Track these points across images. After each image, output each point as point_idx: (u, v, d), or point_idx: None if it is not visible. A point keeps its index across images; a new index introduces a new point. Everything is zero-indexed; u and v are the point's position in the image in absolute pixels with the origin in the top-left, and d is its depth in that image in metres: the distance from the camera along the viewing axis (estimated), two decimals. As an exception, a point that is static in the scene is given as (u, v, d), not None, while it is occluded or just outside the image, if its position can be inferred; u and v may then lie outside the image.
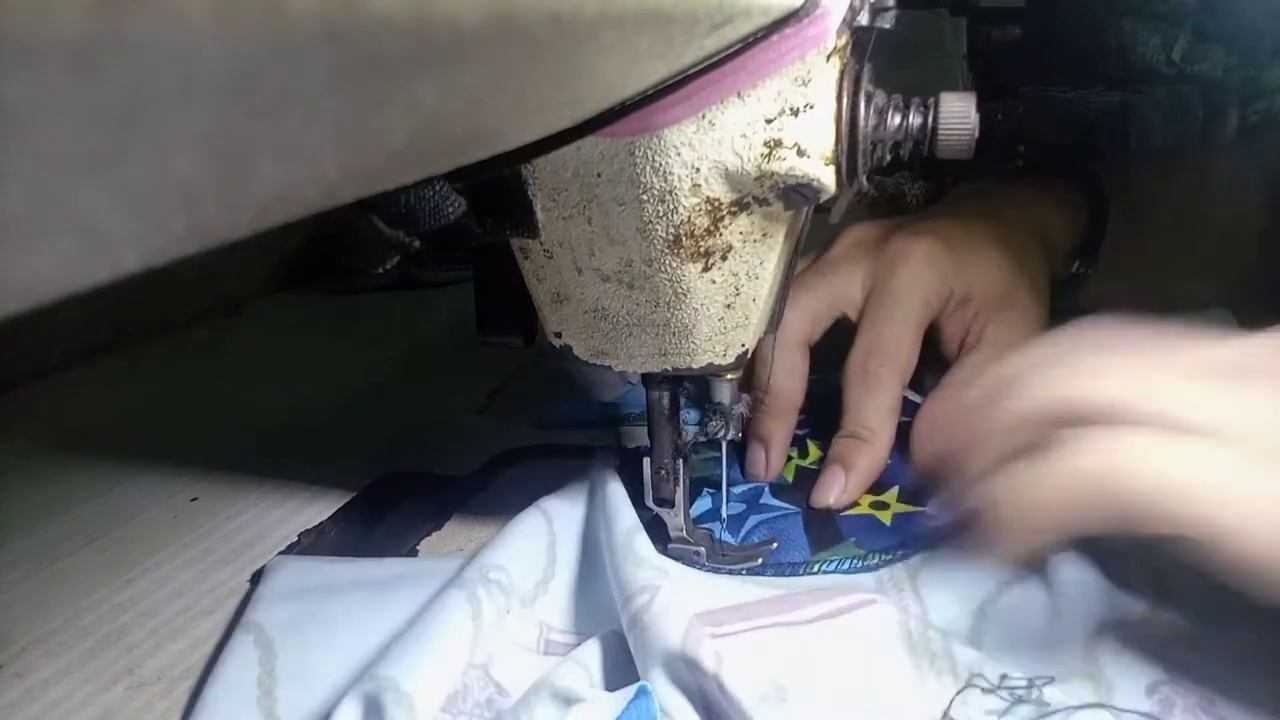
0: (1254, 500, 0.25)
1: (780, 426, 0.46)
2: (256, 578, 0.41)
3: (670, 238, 0.30)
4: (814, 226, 0.37)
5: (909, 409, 0.46)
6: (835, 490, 0.43)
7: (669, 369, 0.35)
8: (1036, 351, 0.30)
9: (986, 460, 0.30)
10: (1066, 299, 0.60)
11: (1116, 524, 0.27)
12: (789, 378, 0.46)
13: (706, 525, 0.42)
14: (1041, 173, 0.60)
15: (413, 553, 0.43)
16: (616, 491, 0.39)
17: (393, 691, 0.29)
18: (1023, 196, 0.55)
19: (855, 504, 0.43)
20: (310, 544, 0.44)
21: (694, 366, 0.35)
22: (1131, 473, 0.26)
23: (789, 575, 0.39)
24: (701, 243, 0.30)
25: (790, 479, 0.46)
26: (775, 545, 0.40)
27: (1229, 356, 0.29)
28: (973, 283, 0.48)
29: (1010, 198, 0.55)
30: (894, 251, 0.48)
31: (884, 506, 0.43)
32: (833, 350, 0.48)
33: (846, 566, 0.39)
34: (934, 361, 0.48)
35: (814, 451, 0.48)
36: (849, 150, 0.29)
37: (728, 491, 0.42)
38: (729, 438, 0.39)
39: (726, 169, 0.29)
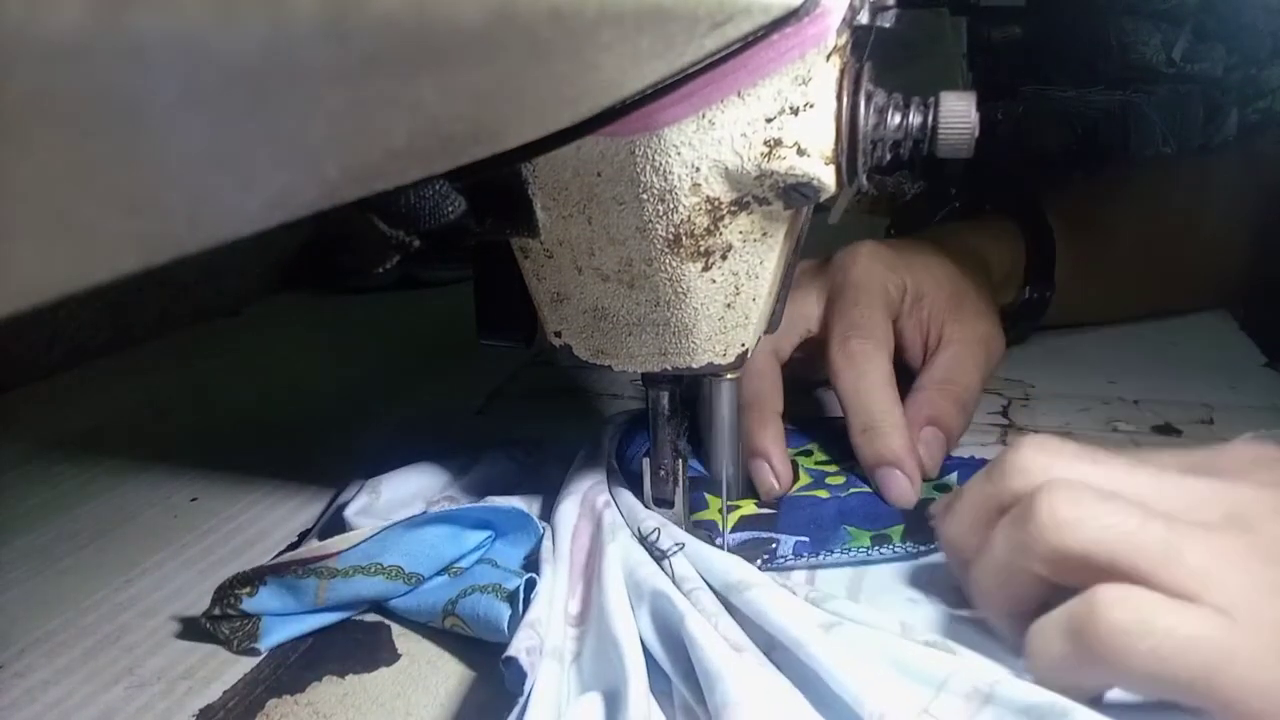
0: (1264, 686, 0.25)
1: (769, 432, 0.44)
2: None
3: (670, 237, 0.30)
4: (814, 226, 0.37)
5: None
6: (902, 490, 0.42)
7: (669, 368, 0.35)
8: (1056, 482, 0.29)
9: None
10: (1030, 322, 0.62)
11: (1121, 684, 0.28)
12: (761, 380, 0.46)
13: (706, 527, 0.42)
14: (979, 206, 0.63)
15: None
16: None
17: None
18: (957, 233, 0.57)
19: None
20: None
21: (694, 366, 0.35)
22: (1144, 637, 0.26)
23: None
24: (701, 242, 0.30)
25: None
26: (775, 545, 0.40)
27: (1241, 500, 0.29)
28: (922, 281, 0.49)
29: (946, 234, 0.57)
30: (841, 258, 0.49)
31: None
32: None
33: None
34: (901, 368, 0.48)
35: (818, 454, 0.48)
36: (849, 149, 0.29)
37: (726, 509, 0.42)
38: (726, 511, 0.40)
39: (726, 168, 0.29)
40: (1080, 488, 0.28)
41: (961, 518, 0.33)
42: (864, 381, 0.44)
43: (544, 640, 0.31)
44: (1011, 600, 0.31)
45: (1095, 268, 0.63)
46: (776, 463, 0.44)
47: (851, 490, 0.44)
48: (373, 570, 0.36)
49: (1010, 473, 0.31)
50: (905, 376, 0.47)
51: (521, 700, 0.29)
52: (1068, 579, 0.28)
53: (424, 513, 0.38)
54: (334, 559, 0.36)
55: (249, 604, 0.36)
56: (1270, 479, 0.29)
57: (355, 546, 0.36)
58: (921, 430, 0.44)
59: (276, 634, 0.36)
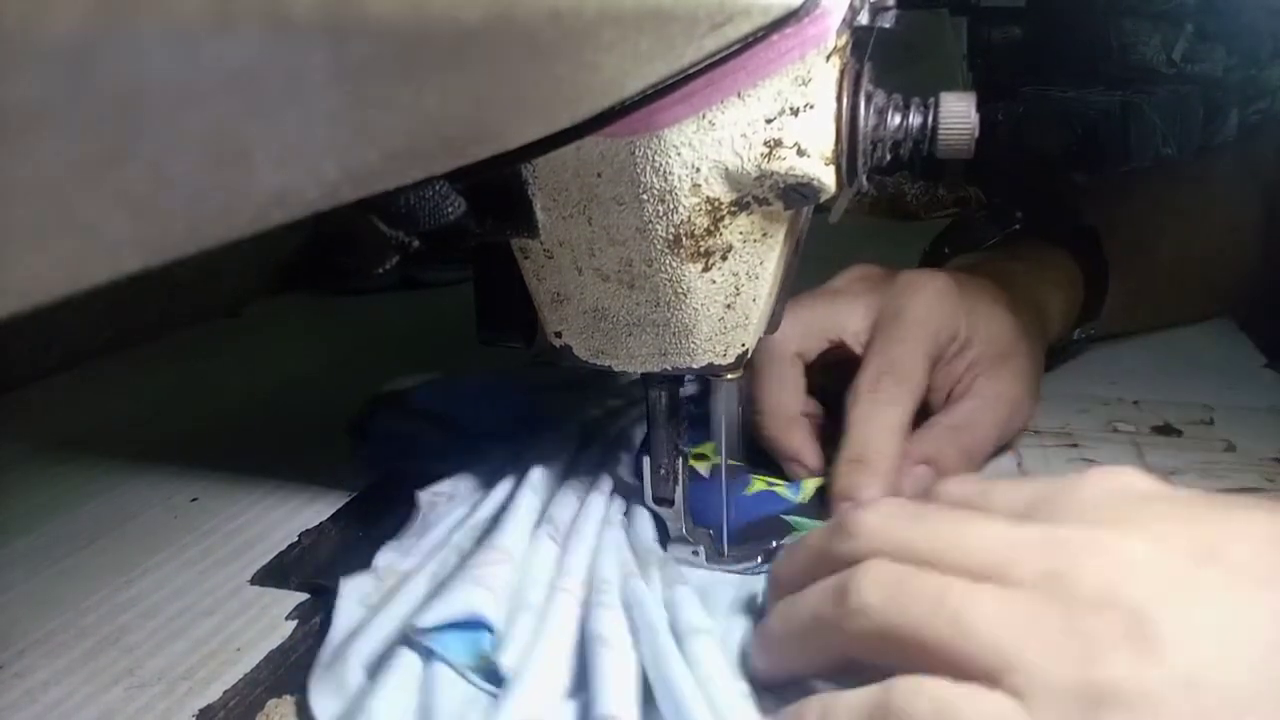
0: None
1: (795, 436, 0.44)
2: (258, 578, 0.41)
3: (670, 237, 0.30)
4: (814, 226, 0.37)
5: None
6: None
7: (669, 369, 0.35)
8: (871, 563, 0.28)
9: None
10: (1073, 356, 0.60)
11: None
12: (782, 389, 0.45)
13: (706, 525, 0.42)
14: (1039, 238, 0.59)
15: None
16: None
17: None
18: (1021, 274, 0.54)
19: None
20: (311, 544, 0.44)
21: (694, 366, 0.35)
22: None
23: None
24: (701, 242, 0.30)
25: (807, 499, 0.45)
26: (775, 545, 0.40)
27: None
28: (978, 329, 0.46)
29: (1010, 274, 0.54)
30: (906, 283, 0.46)
31: None
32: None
33: None
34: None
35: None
36: (849, 150, 0.29)
37: (728, 519, 0.41)
38: (729, 514, 0.40)
39: (726, 169, 0.29)
40: (895, 569, 0.27)
41: (794, 561, 0.33)
42: (877, 421, 0.42)
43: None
44: (804, 661, 0.31)
45: (1141, 294, 0.61)
46: (810, 461, 0.44)
47: None
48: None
49: (843, 535, 0.30)
50: (921, 416, 0.45)
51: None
52: (876, 658, 0.27)
53: None
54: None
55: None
56: (1108, 517, 0.27)
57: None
58: (914, 466, 0.43)
59: None
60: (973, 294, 0.47)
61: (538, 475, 0.42)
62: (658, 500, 0.39)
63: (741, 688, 0.32)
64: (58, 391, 0.69)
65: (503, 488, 0.42)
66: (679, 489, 0.39)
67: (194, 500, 0.49)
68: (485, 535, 0.38)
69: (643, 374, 0.36)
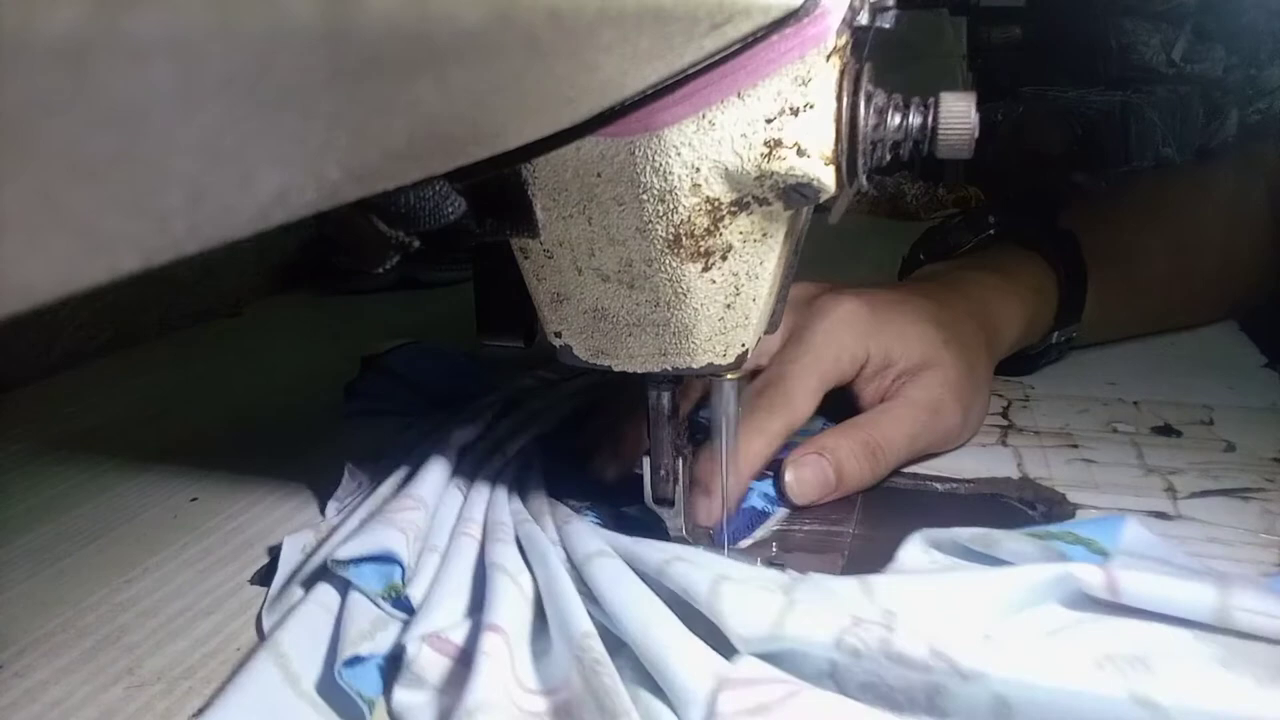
0: None
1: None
2: (258, 578, 0.41)
3: (670, 237, 0.30)
4: (813, 226, 0.37)
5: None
6: (703, 513, 0.41)
7: (669, 369, 0.35)
8: None
9: None
10: (1054, 360, 0.61)
11: None
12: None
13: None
14: (1015, 242, 0.59)
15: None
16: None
17: None
18: (974, 283, 0.55)
19: None
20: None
21: (694, 366, 0.35)
22: None
23: None
24: (701, 242, 0.30)
25: None
26: (775, 549, 0.40)
27: None
28: (892, 348, 0.47)
29: (963, 283, 0.54)
30: (817, 307, 0.48)
31: None
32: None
33: None
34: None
35: None
36: (849, 150, 0.29)
37: (725, 517, 0.41)
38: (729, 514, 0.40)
39: (726, 169, 0.29)
40: None
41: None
42: (750, 424, 0.43)
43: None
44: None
45: (1124, 299, 0.61)
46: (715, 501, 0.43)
47: None
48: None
49: None
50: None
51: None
52: None
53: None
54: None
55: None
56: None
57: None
58: (808, 454, 0.44)
59: None
60: (887, 313, 0.48)
61: (456, 436, 0.47)
62: (658, 500, 0.39)
63: (652, 596, 0.33)
64: (58, 391, 0.69)
65: (427, 447, 0.47)
66: (679, 489, 0.39)
67: (194, 500, 0.49)
68: (403, 486, 0.43)
69: (642, 374, 0.36)
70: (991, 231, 0.60)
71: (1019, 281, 0.56)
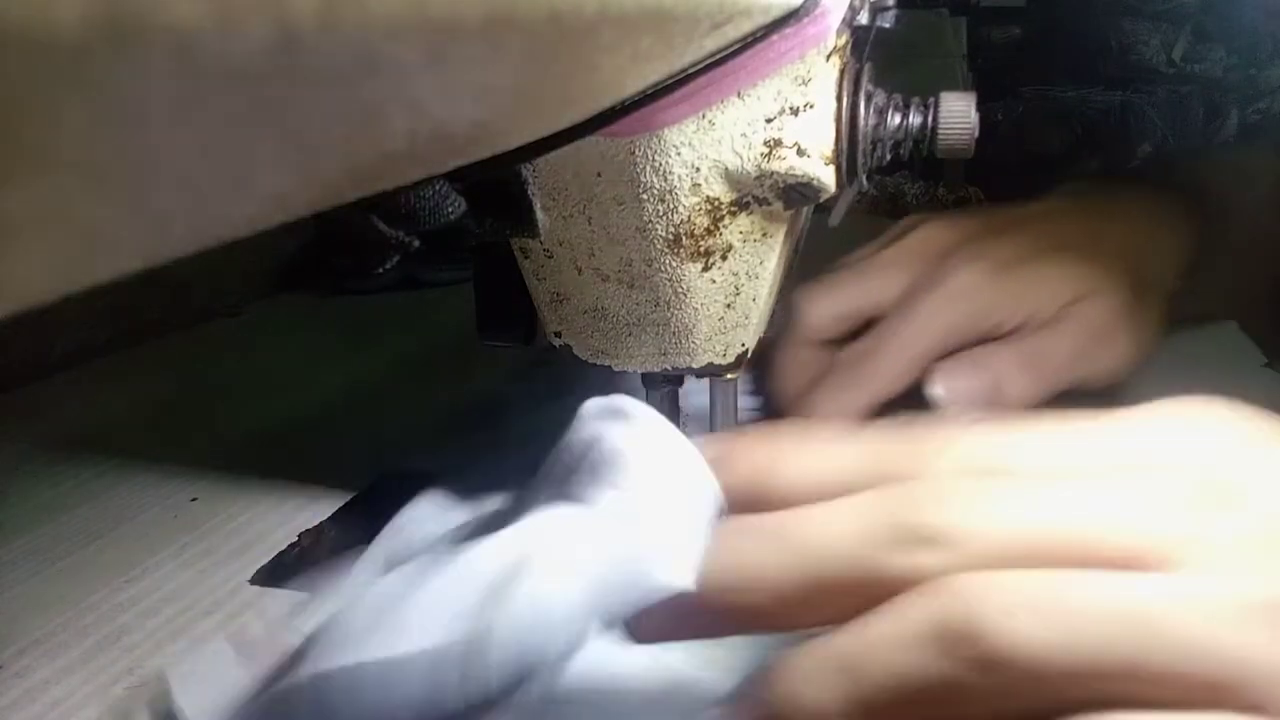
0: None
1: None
2: (258, 578, 0.41)
3: (670, 237, 0.30)
4: (813, 226, 0.37)
5: None
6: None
7: (669, 369, 0.35)
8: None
9: None
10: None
11: None
12: (797, 375, 0.43)
13: None
14: (1154, 178, 0.54)
15: (413, 553, 0.43)
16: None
17: None
18: (1133, 213, 0.50)
19: None
20: (310, 544, 0.44)
21: (694, 366, 0.35)
22: None
23: None
24: (701, 242, 0.30)
25: None
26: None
27: None
28: (1030, 303, 0.43)
29: (1113, 210, 0.49)
30: (944, 269, 0.43)
31: None
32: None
33: None
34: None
35: None
36: (849, 150, 0.29)
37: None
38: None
39: (726, 168, 0.29)
40: (1020, 578, 0.19)
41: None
42: (822, 405, 0.41)
43: None
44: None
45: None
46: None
47: None
48: None
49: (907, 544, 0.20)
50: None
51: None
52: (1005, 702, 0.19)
53: None
54: None
55: None
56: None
57: None
58: (957, 362, 0.40)
59: None
60: (1020, 270, 0.43)
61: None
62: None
63: None
64: (58, 391, 0.69)
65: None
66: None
67: (194, 500, 0.49)
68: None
69: (642, 374, 0.36)
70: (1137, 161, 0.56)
71: (1174, 219, 0.52)
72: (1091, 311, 0.44)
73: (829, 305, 0.44)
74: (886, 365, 0.41)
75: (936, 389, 0.40)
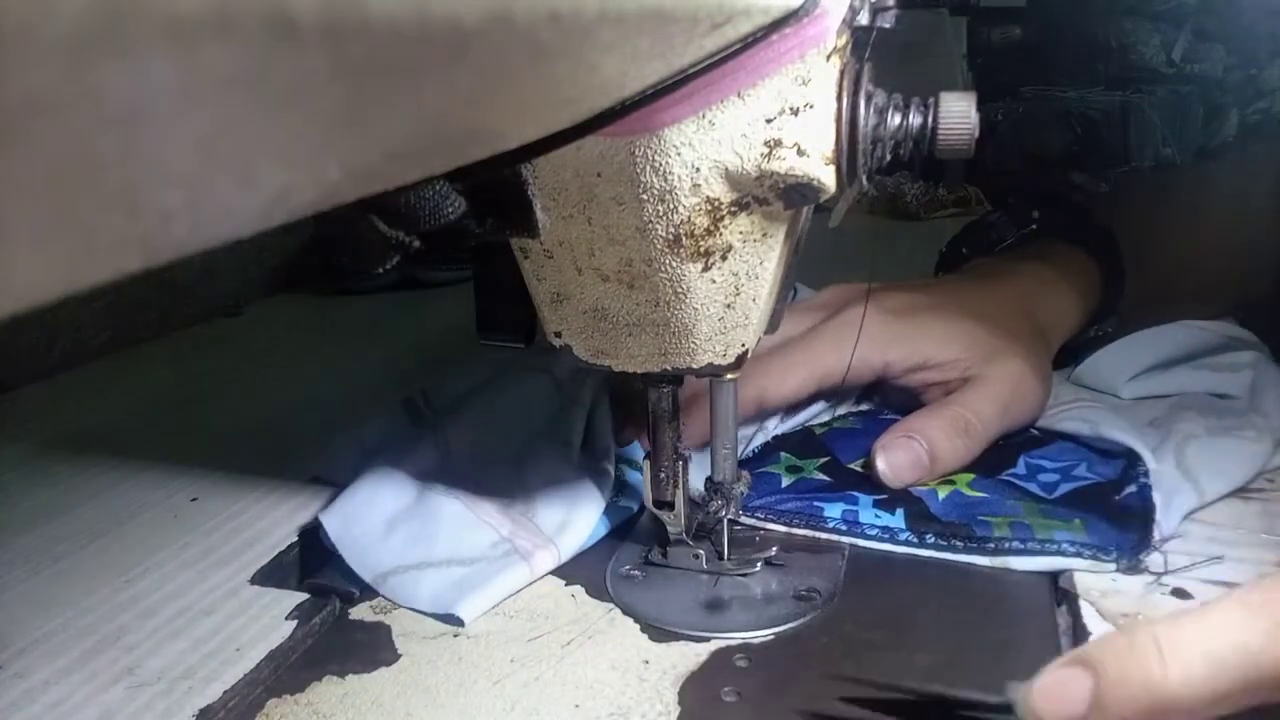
0: None
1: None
2: (258, 578, 0.41)
3: (670, 237, 0.30)
4: (814, 227, 0.37)
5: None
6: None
7: (669, 369, 0.35)
8: None
9: None
10: (1089, 352, 0.60)
11: None
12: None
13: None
14: (1056, 236, 0.59)
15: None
16: None
17: None
18: (1027, 277, 0.55)
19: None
20: (310, 544, 0.44)
21: (694, 366, 0.35)
22: None
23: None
24: (701, 242, 0.30)
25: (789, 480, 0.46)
26: (775, 550, 0.40)
27: None
28: (926, 350, 0.48)
29: (1010, 276, 0.55)
30: (840, 313, 0.49)
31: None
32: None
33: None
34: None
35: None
36: (849, 150, 0.29)
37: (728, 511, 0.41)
38: (729, 516, 0.40)
39: (726, 169, 0.29)
40: None
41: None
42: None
43: None
44: None
45: (1142, 293, 0.61)
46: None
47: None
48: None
49: None
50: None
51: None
52: None
53: None
54: None
55: None
56: None
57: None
58: (894, 437, 0.44)
59: None
60: (919, 315, 0.49)
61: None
62: (658, 504, 0.39)
63: None
64: (58, 391, 0.69)
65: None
66: (679, 493, 0.38)
67: (194, 500, 0.49)
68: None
69: (643, 375, 0.36)
70: (1034, 226, 0.61)
71: (1069, 274, 0.56)
72: (1008, 368, 0.47)
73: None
74: (783, 384, 0.47)
75: (879, 465, 0.44)
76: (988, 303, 0.51)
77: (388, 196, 0.25)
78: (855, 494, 0.43)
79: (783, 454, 0.48)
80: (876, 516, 0.42)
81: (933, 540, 0.40)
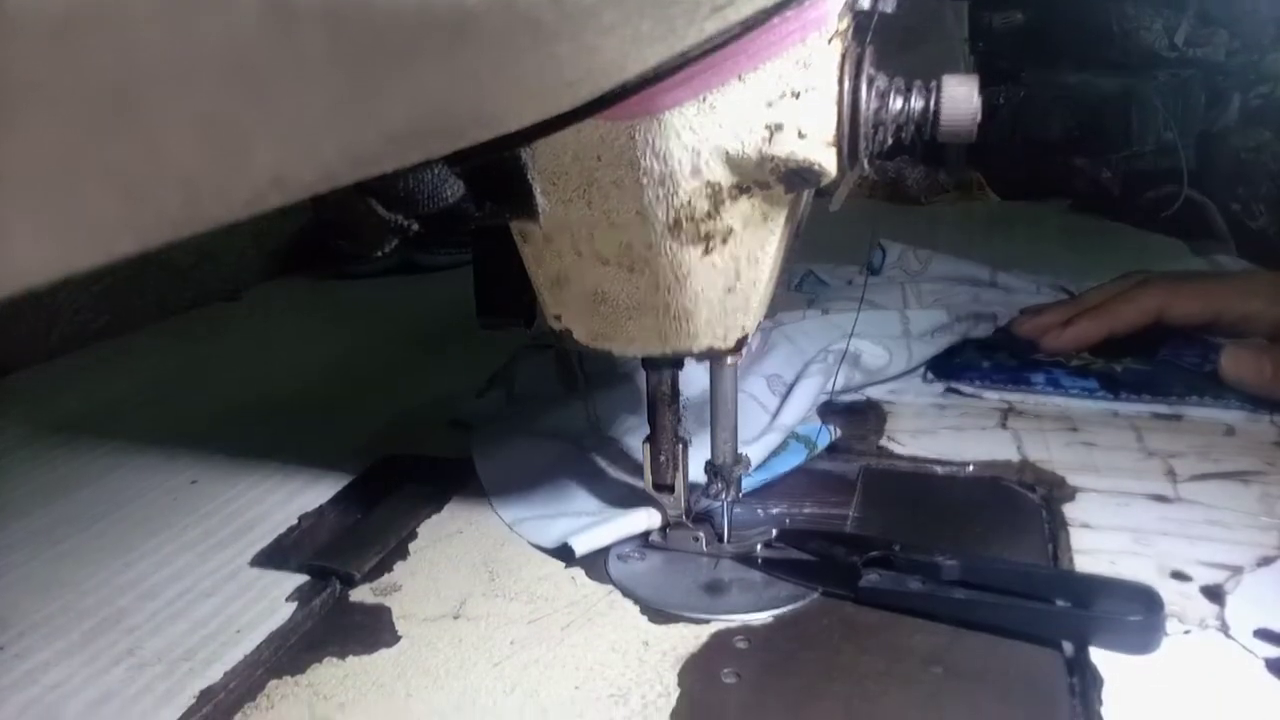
0: None
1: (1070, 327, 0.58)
2: (258, 560, 0.41)
3: (670, 221, 0.30)
4: (814, 211, 0.37)
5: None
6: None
7: (669, 353, 0.35)
8: None
9: None
10: None
11: None
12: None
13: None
14: None
15: (412, 535, 0.43)
16: None
17: None
18: None
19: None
20: (310, 526, 0.44)
21: (694, 350, 0.34)
22: None
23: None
24: (702, 226, 0.30)
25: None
26: (774, 533, 0.40)
27: None
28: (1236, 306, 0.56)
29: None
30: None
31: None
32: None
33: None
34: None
35: None
36: (850, 133, 0.29)
37: (728, 500, 0.41)
38: (729, 499, 0.40)
39: (727, 152, 0.28)
40: None
41: None
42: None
43: None
44: None
45: None
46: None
47: None
48: None
49: None
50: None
51: None
52: None
53: None
54: None
55: None
56: None
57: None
58: (1248, 345, 0.53)
59: None
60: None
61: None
62: (658, 487, 0.39)
63: None
64: (57, 375, 0.69)
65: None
66: (680, 475, 0.39)
67: (193, 483, 0.49)
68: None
69: (643, 359, 0.36)
70: None
71: None
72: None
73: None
74: (1123, 315, 0.57)
75: (1223, 360, 0.51)
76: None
77: (386, 179, 0.25)
78: (1053, 369, 0.55)
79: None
80: (1074, 381, 0.54)
81: (1125, 395, 0.52)
